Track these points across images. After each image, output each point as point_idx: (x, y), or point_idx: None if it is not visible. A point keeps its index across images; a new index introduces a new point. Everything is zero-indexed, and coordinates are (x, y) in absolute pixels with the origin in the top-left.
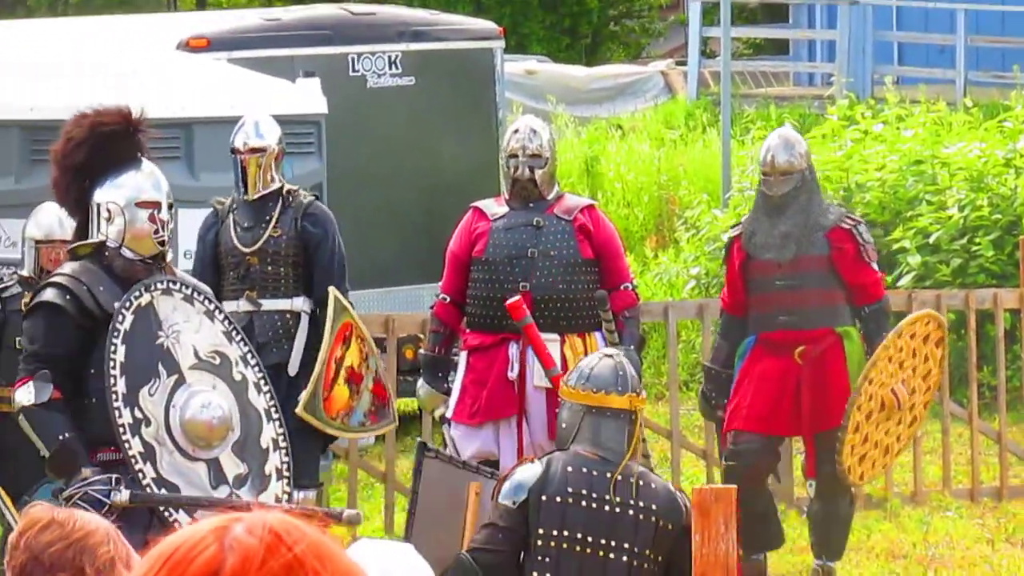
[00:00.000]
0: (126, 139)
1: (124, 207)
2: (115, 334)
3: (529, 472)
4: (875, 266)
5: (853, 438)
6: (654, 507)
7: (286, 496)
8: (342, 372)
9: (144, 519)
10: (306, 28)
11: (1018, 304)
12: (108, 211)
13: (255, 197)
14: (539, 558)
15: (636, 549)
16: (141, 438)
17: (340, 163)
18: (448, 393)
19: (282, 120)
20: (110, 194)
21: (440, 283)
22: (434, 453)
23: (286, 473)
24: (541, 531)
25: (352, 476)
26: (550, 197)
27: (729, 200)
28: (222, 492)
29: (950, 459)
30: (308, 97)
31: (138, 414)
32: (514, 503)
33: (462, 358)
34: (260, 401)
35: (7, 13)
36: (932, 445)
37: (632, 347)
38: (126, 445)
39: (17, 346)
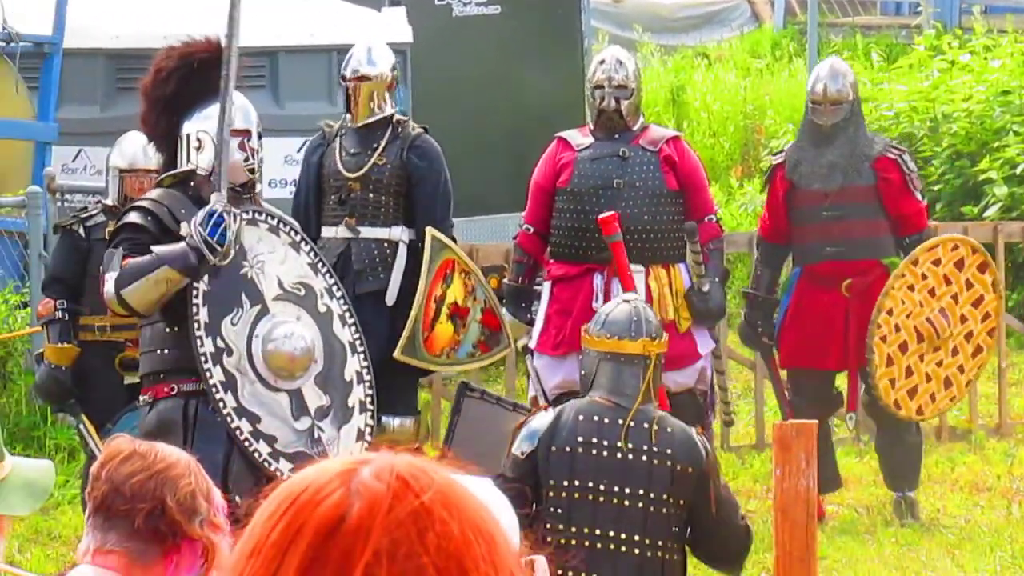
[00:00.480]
0: (216, 68)
1: (215, 136)
2: None
3: (540, 421)
4: (919, 196)
5: (888, 371)
6: (669, 451)
7: (369, 429)
8: (443, 309)
9: (225, 447)
10: None
11: None
12: (199, 140)
13: (362, 124)
14: (551, 509)
15: (652, 495)
16: (223, 367)
17: (426, 92)
18: (531, 324)
19: None
20: (200, 124)
21: (524, 213)
22: (478, 393)
23: (369, 406)
24: (552, 482)
25: (435, 406)
26: (635, 128)
27: None
28: (304, 423)
29: None
30: (394, 26)
31: (220, 343)
32: (523, 453)
33: (545, 288)
34: (344, 333)
35: None
36: (1018, 377)
37: (717, 279)
38: (207, 374)
39: None
